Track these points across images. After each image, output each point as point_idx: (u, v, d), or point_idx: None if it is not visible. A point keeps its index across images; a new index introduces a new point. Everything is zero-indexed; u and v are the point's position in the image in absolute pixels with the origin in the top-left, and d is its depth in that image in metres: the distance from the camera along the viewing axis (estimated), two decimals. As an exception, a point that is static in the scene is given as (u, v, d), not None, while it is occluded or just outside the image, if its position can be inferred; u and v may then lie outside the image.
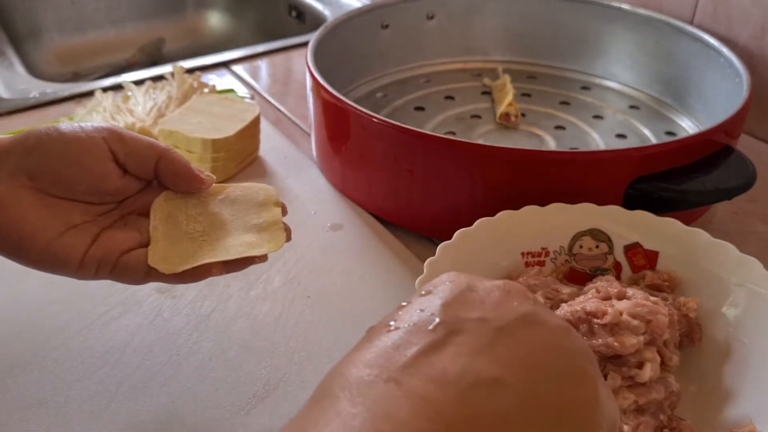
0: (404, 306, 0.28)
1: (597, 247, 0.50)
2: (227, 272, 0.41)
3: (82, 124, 0.41)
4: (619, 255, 0.49)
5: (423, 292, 0.29)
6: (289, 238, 0.42)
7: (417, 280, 0.43)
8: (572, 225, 0.50)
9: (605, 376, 0.40)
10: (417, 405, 0.23)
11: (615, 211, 0.50)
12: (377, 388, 0.24)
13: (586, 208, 0.50)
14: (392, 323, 0.27)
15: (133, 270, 0.40)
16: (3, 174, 0.39)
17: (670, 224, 0.48)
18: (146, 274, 0.40)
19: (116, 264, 0.40)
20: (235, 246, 0.41)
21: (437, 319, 0.26)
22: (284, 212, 0.43)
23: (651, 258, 0.49)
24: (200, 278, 0.41)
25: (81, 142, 0.40)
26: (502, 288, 0.28)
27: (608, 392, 0.27)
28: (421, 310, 0.27)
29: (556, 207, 0.50)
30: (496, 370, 0.24)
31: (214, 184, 0.44)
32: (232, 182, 0.45)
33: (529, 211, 0.49)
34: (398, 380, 0.24)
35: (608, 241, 0.50)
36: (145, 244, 0.41)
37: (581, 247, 0.50)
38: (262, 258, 0.41)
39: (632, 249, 0.49)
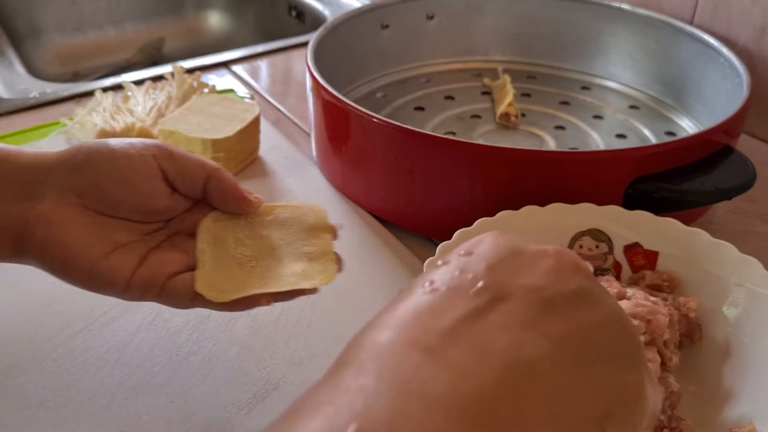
0: (441, 266, 0.25)
1: (597, 247, 0.50)
2: (275, 302, 0.40)
3: (132, 141, 0.40)
4: (619, 255, 0.49)
5: (462, 252, 0.26)
6: (340, 269, 0.41)
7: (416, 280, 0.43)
8: (572, 225, 0.50)
9: None
10: (456, 381, 0.21)
11: (615, 211, 0.50)
12: (410, 359, 0.21)
13: (586, 208, 0.50)
14: (428, 284, 0.24)
15: (180, 294, 0.39)
16: (51, 191, 0.38)
17: (670, 224, 0.48)
18: (192, 299, 0.39)
19: (163, 287, 0.39)
20: (285, 276, 0.39)
21: (481, 283, 0.24)
22: (335, 236, 0.42)
23: (651, 258, 0.49)
24: (248, 308, 0.39)
25: (131, 160, 0.39)
26: (553, 255, 0.26)
27: (653, 379, 0.26)
28: (462, 272, 0.24)
29: (555, 207, 0.50)
30: (546, 347, 0.22)
31: (263, 204, 0.43)
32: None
33: (529, 211, 0.49)
34: (435, 350, 0.21)
35: (608, 241, 0.50)
36: (192, 267, 0.40)
37: (581, 247, 0.50)
38: (313, 290, 0.40)
39: (632, 249, 0.49)
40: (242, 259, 0.40)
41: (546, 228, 0.49)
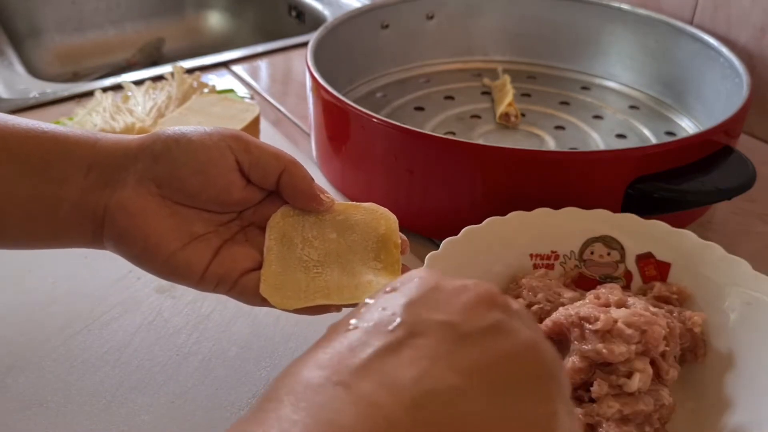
0: (368, 303, 0.26)
1: (608, 254, 0.49)
2: (344, 308, 0.40)
3: (209, 130, 0.40)
4: (631, 264, 0.49)
5: (388, 289, 0.27)
6: None
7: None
8: (585, 230, 0.49)
9: (593, 383, 0.39)
10: (364, 411, 0.22)
11: (629, 219, 0.49)
12: (325, 392, 0.22)
13: (600, 214, 0.49)
14: (352, 322, 0.25)
15: (250, 293, 0.40)
16: (131, 179, 0.38)
17: (684, 236, 0.47)
18: (264, 300, 0.39)
19: (235, 283, 0.40)
20: (349, 288, 0.39)
21: (398, 319, 0.25)
22: (404, 251, 0.41)
23: (662, 269, 0.48)
24: (316, 314, 0.39)
25: (208, 151, 0.39)
26: (473, 290, 0.26)
27: (569, 410, 0.26)
28: (383, 309, 0.25)
29: (569, 211, 0.49)
30: (455, 378, 0.23)
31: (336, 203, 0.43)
32: None
33: (542, 213, 0.49)
34: (348, 384, 0.22)
35: (620, 249, 0.49)
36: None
37: (592, 253, 0.49)
38: None
39: (644, 259, 0.48)
40: (308, 263, 0.40)
41: (558, 231, 0.49)
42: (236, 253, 0.40)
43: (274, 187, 0.41)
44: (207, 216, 0.40)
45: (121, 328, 0.49)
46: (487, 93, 0.79)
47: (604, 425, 0.38)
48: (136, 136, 0.40)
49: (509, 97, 0.73)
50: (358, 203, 0.43)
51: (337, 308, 0.39)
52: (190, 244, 0.39)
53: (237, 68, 0.91)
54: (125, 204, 0.38)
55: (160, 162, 0.38)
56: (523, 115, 0.74)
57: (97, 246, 0.40)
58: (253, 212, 0.42)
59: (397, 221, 0.42)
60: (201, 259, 0.39)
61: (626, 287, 0.48)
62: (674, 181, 0.53)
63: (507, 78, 0.78)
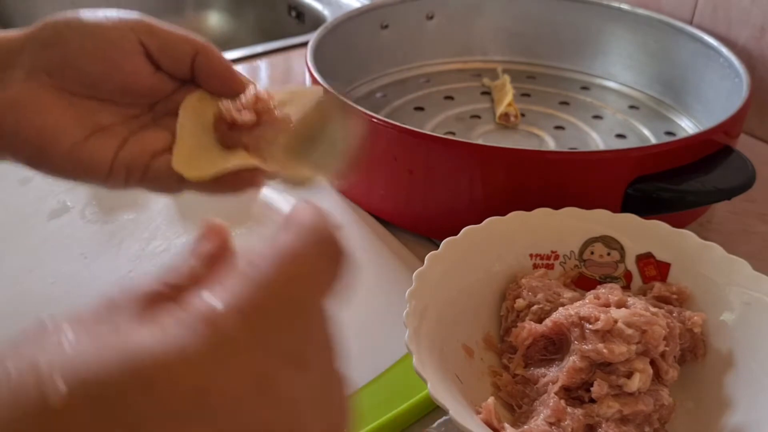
0: None
1: (608, 254, 0.49)
2: (270, 181, 0.36)
3: (107, 13, 0.36)
4: (631, 264, 0.49)
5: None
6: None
7: (414, 273, 0.43)
8: (585, 230, 0.49)
9: (593, 383, 0.39)
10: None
11: (629, 219, 0.49)
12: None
13: (600, 214, 0.49)
14: None
15: (165, 176, 0.36)
16: (19, 73, 0.34)
17: (684, 236, 0.47)
18: (179, 180, 0.35)
19: (147, 169, 0.36)
20: (276, 154, 0.35)
21: None
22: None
23: (662, 269, 0.48)
24: (239, 190, 0.35)
25: (106, 33, 0.35)
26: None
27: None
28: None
29: (569, 211, 0.49)
30: None
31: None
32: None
33: (542, 213, 0.49)
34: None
35: (620, 249, 0.49)
36: None
37: (592, 253, 0.49)
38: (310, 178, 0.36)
39: (644, 259, 0.48)
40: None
41: (558, 231, 0.49)
42: (145, 137, 0.36)
43: (188, 73, 0.38)
44: (113, 107, 0.36)
45: (121, 328, 0.49)
46: (486, 93, 0.79)
47: (603, 425, 0.38)
48: (23, 28, 0.35)
49: (509, 97, 0.73)
50: (280, 90, 0.39)
51: (260, 179, 0.35)
52: (94, 135, 0.35)
53: (237, 68, 0.90)
54: (14, 99, 0.34)
55: (50, 49, 0.34)
56: (522, 115, 0.74)
57: None
58: (164, 104, 0.38)
59: (322, 91, 0.39)
60: (106, 149, 0.35)
61: (626, 287, 0.48)
62: (674, 181, 0.53)
63: (507, 78, 0.78)
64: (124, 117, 0.37)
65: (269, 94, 0.38)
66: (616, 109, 0.77)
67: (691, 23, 0.78)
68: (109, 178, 0.36)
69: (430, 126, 0.72)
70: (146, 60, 0.36)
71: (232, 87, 0.38)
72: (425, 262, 0.44)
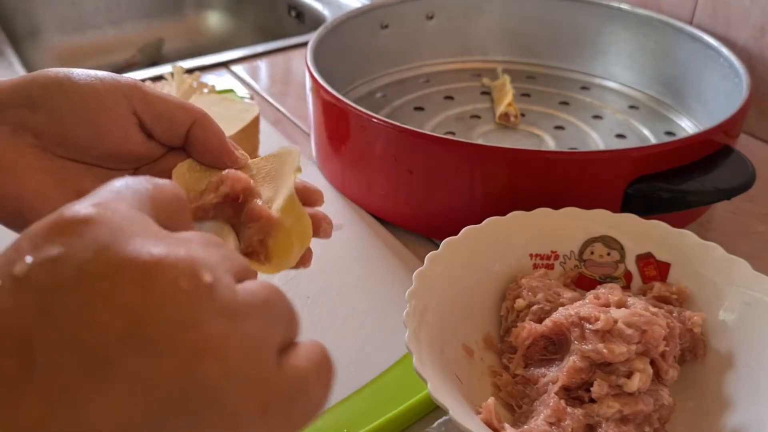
0: None
1: (608, 254, 0.49)
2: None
3: (100, 74, 0.34)
4: (631, 264, 0.49)
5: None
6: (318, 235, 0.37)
7: (414, 273, 0.43)
8: (585, 230, 0.49)
9: (593, 383, 0.39)
10: None
11: (630, 219, 0.49)
12: None
13: (600, 214, 0.49)
14: None
15: None
16: (5, 130, 0.33)
17: (684, 236, 0.47)
18: None
19: None
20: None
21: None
22: (317, 201, 0.38)
23: (662, 269, 0.48)
24: None
25: (99, 98, 0.33)
26: None
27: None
28: None
29: (569, 211, 0.49)
30: None
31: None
32: None
33: (542, 213, 0.49)
34: None
35: (620, 249, 0.49)
36: None
37: (592, 253, 0.49)
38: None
39: (644, 259, 0.48)
40: None
41: (558, 231, 0.49)
42: None
43: (181, 142, 0.36)
44: (98, 171, 0.35)
45: (121, 328, 0.49)
46: (486, 93, 0.79)
47: (603, 425, 0.38)
48: (9, 79, 0.34)
49: (509, 97, 0.73)
50: (271, 154, 0.38)
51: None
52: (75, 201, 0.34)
53: (237, 68, 0.91)
54: None
55: (38, 109, 0.33)
56: (522, 115, 0.74)
57: None
58: (149, 169, 0.37)
59: (300, 152, 0.38)
60: None
61: (626, 287, 0.48)
62: (674, 181, 0.53)
63: (506, 78, 0.78)
64: (107, 180, 0.36)
65: (251, 175, 0.37)
66: (615, 109, 0.77)
67: (690, 23, 0.78)
68: None
69: (430, 126, 0.72)
70: (139, 129, 0.35)
71: (224, 161, 0.37)
72: (425, 262, 0.44)
